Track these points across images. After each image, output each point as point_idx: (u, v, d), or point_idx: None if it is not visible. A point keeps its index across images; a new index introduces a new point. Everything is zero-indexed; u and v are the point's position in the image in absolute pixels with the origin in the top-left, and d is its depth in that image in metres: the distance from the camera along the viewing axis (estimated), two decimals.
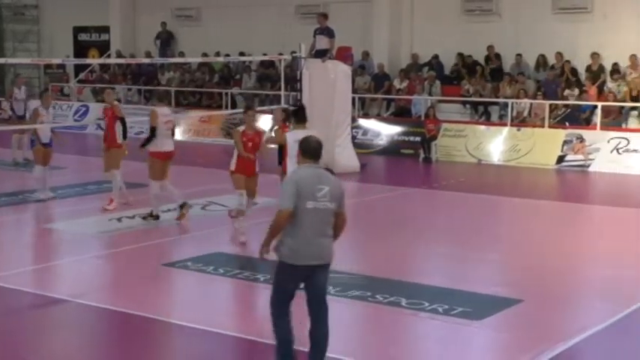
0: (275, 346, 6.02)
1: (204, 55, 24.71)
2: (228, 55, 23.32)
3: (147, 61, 24.74)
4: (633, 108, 19.85)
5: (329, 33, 17.73)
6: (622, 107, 19.91)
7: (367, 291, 8.33)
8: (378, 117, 22.57)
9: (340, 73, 17.78)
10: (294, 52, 17.79)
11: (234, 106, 23.49)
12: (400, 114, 22.43)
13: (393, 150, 20.91)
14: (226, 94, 24.24)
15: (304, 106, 9.43)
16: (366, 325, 7.80)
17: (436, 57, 23.35)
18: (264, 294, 7.18)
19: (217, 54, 24.57)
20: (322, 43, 17.64)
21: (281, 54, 20.10)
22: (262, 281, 8.58)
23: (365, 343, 7.22)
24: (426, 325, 7.54)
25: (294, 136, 9.16)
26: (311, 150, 6.02)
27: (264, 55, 22.41)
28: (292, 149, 9.02)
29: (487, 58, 22.63)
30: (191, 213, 12.03)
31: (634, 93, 19.85)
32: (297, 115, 10.46)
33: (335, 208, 5.97)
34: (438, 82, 22.49)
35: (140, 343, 7.16)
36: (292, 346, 6.00)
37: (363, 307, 7.98)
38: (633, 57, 20.29)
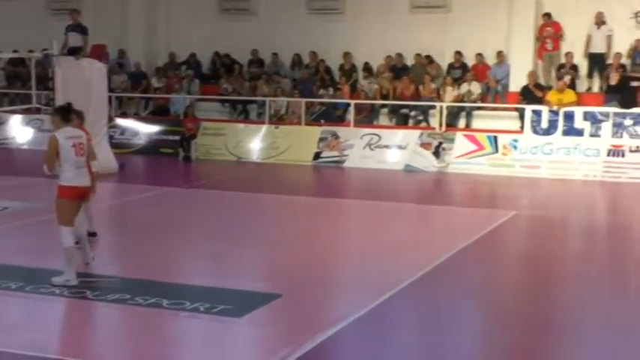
0: None
1: None
2: None
3: None
4: (383, 105, 20.77)
5: (82, 30, 17.16)
6: (373, 105, 20.78)
7: (126, 294, 8.08)
8: (136, 116, 22.17)
9: (95, 71, 17.24)
10: (46, 50, 17.04)
11: None
12: (159, 113, 22.16)
13: (152, 149, 20.61)
14: None
15: (69, 105, 8.91)
16: (126, 328, 7.57)
17: (193, 55, 23.29)
18: None
19: None
20: (75, 40, 17.03)
21: (31, 51, 19.21)
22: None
23: (124, 346, 7.00)
24: (187, 325, 7.42)
25: (63, 135, 8.60)
26: None
27: (14, 52, 21.31)
28: (64, 149, 8.47)
29: (250, 61, 22.86)
30: None
31: (384, 91, 20.77)
32: (61, 113, 9.85)
33: None
34: (196, 81, 22.43)
35: None
36: None
37: (123, 310, 7.73)
38: (389, 58, 21.24)
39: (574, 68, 19.41)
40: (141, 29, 23.64)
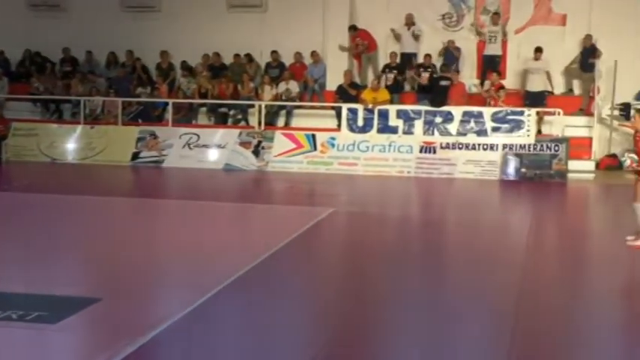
0: None
1: None
2: None
3: None
4: (202, 105, 20.66)
5: None
6: (192, 104, 20.63)
7: None
8: None
9: None
10: None
11: None
12: None
13: None
14: None
15: None
16: None
17: (2, 53, 22.27)
18: None
19: None
20: None
21: None
22: None
23: None
24: None
25: None
26: None
27: None
28: None
29: (63, 60, 22.10)
30: None
31: (203, 90, 20.66)
32: None
33: None
34: (5, 80, 21.46)
35: None
36: None
37: None
38: (207, 57, 21.13)
39: (397, 68, 20.01)
40: None
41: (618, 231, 11.63)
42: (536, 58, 19.02)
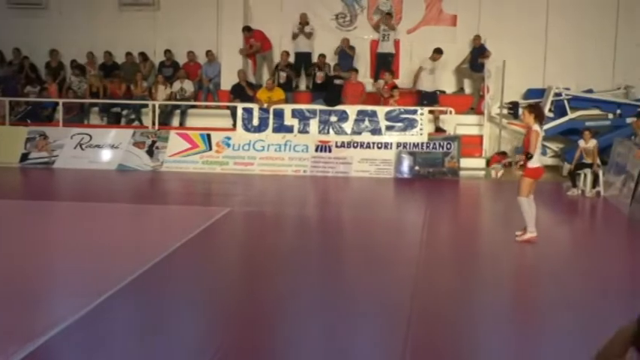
0: None
1: None
2: None
3: None
4: (94, 104, 20.26)
5: None
6: (83, 104, 20.20)
7: None
8: None
9: None
10: None
11: None
12: None
13: None
14: None
15: None
16: None
17: None
18: None
19: None
20: None
21: None
22: None
23: None
24: None
25: None
26: None
27: None
28: None
29: None
30: None
31: (94, 90, 20.26)
32: None
33: None
34: None
35: None
36: None
37: None
38: (90, 54, 20.72)
39: (290, 67, 20.03)
40: None
41: (507, 226, 11.97)
42: (434, 59, 19.33)
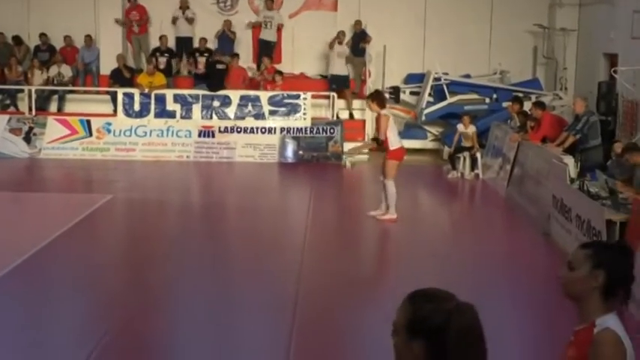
0: None
1: None
2: None
3: None
4: None
5: None
6: None
7: None
8: None
9: None
10: None
11: None
12: None
13: None
14: None
15: None
16: None
17: None
18: None
19: None
20: None
21: None
22: None
23: None
24: None
25: None
26: None
27: None
28: None
29: None
30: None
31: None
32: None
33: None
34: None
35: None
36: None
37: None
38: None
39: (169, 52, 19.71)
40: None
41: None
42: (340, 42, 19.22)
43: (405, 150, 12.05)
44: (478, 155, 15.96)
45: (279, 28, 20.03)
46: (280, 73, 19.03)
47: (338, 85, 19.06)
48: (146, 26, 20.13)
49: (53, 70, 19.49)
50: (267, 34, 19.83)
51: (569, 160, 11.67)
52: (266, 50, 19.70)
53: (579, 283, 3.19)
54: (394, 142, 11.44)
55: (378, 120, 11.64)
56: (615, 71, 15.15)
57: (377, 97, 11.67)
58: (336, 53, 19.26)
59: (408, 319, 2.53)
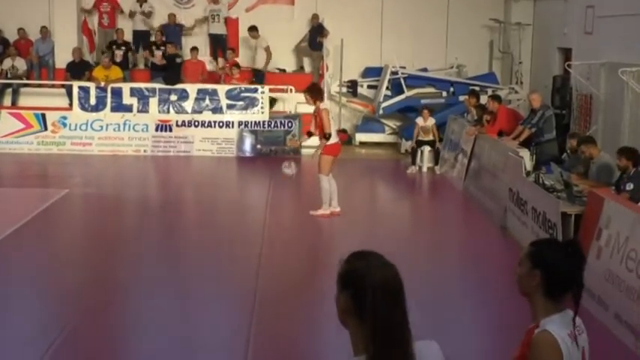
0: None
1: None
2: None
3: None
4: None
5: None
6: None
7: None
8: None
9: None
10: None
11: None
12: None
13: None
14: None
15: None
16: None
17: None
18: None
19: None
20: None
21: None
22: None
23: None
24: None
25: None
26: None
27: None
28: None
29: None
30: None
31: None
32: None
33: None
34: None
35: None
36: None
37: None
38: None
39: (126, 45, 19.51)
40: None
41: (349, 201, 12.20)
42: (253, 37, 19.29)
43: (341, 145, 11.91)
44: (440, 147, 16.06)
45: (230, 20, 19.96)
46: (238, 66, 18.96)
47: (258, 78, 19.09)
48: (115, 19, 19.89)
49: (7, 64, 19.20)
50: (216, 28, 19.80)
51: (525, 154, 11.80)
52: (218, 44, 19.67)
53: (523, 281, 3.17)
54: (331, 137, 11.32)
55: (316, 115, 11.41)
56: (569, 65, 15.33)
57: (313, 91, 11.53)
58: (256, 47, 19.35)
59: (339, 273, 2.80)
